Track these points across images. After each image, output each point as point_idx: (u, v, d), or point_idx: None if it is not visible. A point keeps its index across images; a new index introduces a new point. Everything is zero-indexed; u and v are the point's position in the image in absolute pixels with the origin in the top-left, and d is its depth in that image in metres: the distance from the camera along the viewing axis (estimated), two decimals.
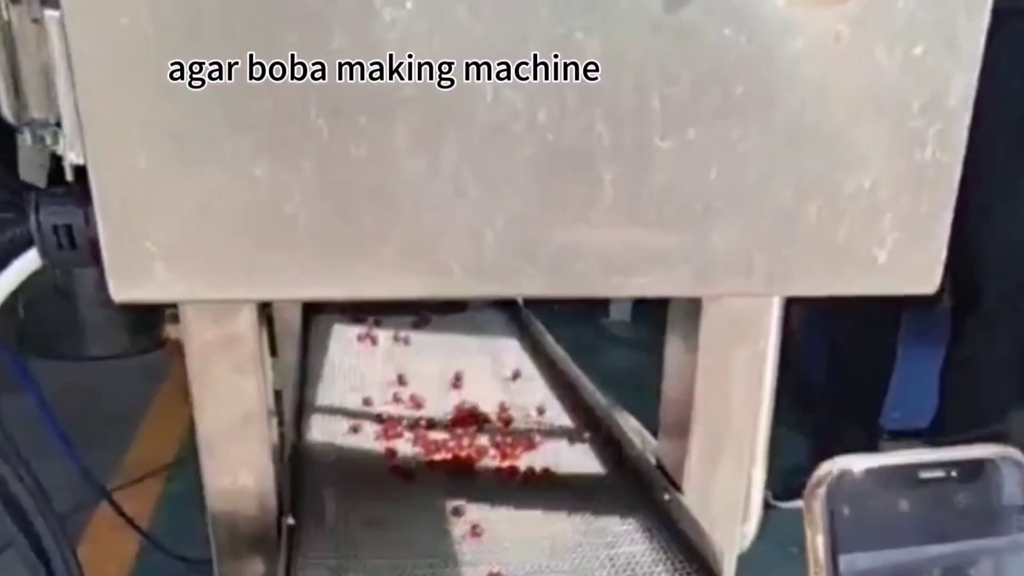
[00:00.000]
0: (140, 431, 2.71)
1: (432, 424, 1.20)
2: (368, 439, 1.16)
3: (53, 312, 3.22)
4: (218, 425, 0.82)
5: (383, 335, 1.59)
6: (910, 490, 0.50)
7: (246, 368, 0.80)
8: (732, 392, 0.88)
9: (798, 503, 1.82)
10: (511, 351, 1.52)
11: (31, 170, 0.72)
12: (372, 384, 1.35)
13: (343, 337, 1.58)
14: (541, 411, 1.25)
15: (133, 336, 3.32)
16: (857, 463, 0.50)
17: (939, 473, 0.50)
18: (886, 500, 0.50)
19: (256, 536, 0.86)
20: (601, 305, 3.88)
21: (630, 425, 1.12)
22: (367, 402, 1.28)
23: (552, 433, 1.18)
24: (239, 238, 0.57)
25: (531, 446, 1.13)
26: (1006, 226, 2.11)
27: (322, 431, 1.18)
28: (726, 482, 0.93)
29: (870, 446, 2.49)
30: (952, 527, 0.51)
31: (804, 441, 2.54)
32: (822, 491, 0.49)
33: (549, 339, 1.48)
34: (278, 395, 1.07)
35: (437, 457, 1.10)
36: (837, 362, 2.49)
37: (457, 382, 1.36)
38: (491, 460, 1.10)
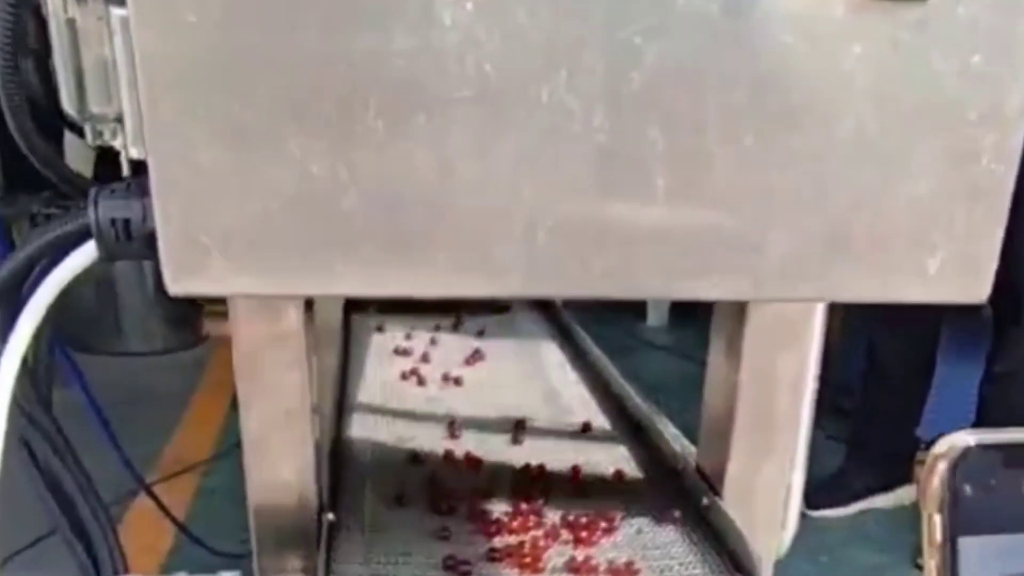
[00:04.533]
0: (178, 427, 2.73)
1: (491, 493, 1.02)
2: (418, 512, 0.99)
3: (93, 307, 3.25)
4: (264, 419, 0.82)
5: (431, 374, 1.42)
6: None
7: (293, 364, 0.80)
8: (775, 397, 0.88)
9: (829, 512, 1.83)
10: (571, 386, 1.39)
11: (78, 162, 0.73)
12: (420, 435, 1.18)
13: (386, 373, 1.43)
14: (621, 476, 1.08)
15: (173, 331, 3.35)
16: (982, 438, 0.46)
17: None
18: (1012, 480, 0.46)
19: (296, 529, 0.87)
20: (638, 310, 3.88)
21: (669, 432, 1.12)
22: (415, 459, 1.12)
23: (637, 505, 1.00)
24: (295, 233, 0.57)
25: (611, 528, 0.95)
26: None
27: (367, 501, 1.01)
28: (767, 488, 0.92)
29: (906, 457, 2.47)
30: None
31: (838, 450, 2.53)
32: (942, 467, 0.45)
33: (594, 349, 1.47)
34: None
35: (498, 542, 0.93)
36: (875, 370, 2.48)
37: (518, 435, 1.19)
38: (564, 546, 0.93)
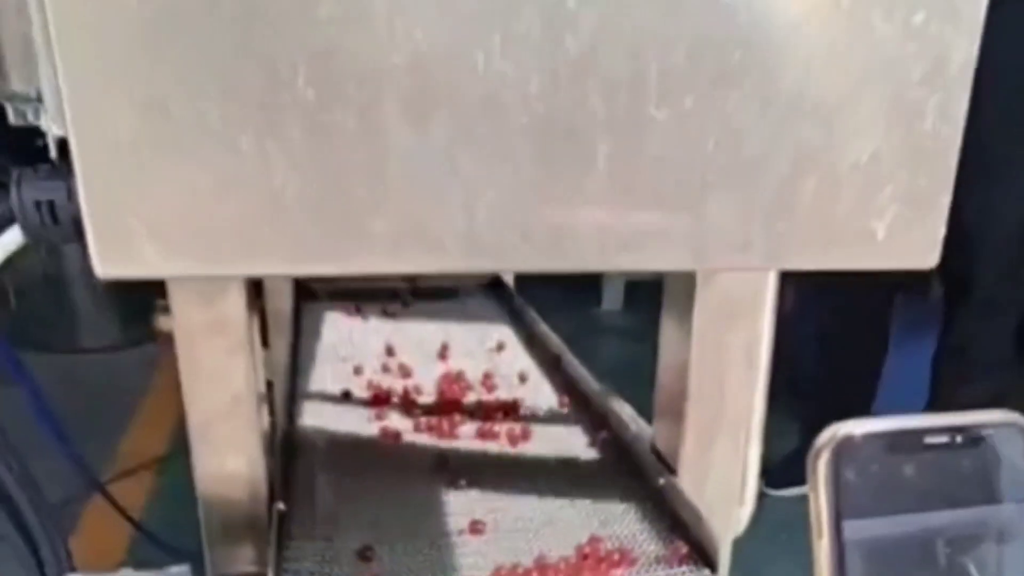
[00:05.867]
0: (132, 423, 2.70)
1: (419, 390, 1.25)
2: (357, 406, 1.20)
3: (45, 303, 3.21)
4: (208, 408, 0.80)
5: (373, 312, 1.64)
6: (915, 455, 0.49)
7: (236, 350, 0.78)
8: (727, 373, 0.87)
9: (790, 491, 1.83)
10: (498, 327, 1.56)
11: None
12: (362, 354, 1.40)
13: (333, 317, 1.62)
14: (523, 378, 1.30)
15: (126, 328, 3.31)
16: (862, 427, 0.49)
17: (944, 439, 0.49)
18: (891, 465, 0.49)
19: (247, 520, 0.85)
20: (593, 294, 3.87)
21: (626, 412, 1.11)
22: (357, 370, 1.32)
23: (534, 399, 1.23)
24: (226, 211, 0.55)
25: (513, 410, 1.18)
26: (998, 213, 2.10)
27: (313, 403, 1.21)
28: (722, 465, 0.92)
29: None
30: (957, 493, 0.50)
31: (797, 430, 2.53)
32: (826, 455, 0.48)
33: (536, 316, 1.51)
34: (269, 386, 1.06)
35: (423, 420, 1.14)
36: (829, 350, 2.49)
37: (444, 353, 1.41)
38: (475, 422, 1.14)
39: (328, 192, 0.55)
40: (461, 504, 0.93)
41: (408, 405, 1.19)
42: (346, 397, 1.23)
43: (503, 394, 1.24)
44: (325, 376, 1.31)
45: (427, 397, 1.23)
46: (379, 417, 1.16)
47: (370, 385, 1.26)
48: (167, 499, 2.25)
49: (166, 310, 0.77)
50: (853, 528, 0.48)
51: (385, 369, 1.33)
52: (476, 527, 0.89)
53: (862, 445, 0.48)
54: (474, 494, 0.96)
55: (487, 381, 1.28)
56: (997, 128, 1.86)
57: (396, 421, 1.15)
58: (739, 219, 0.59)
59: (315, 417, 1.16)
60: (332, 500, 0.95)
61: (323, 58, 0.52)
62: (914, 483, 0.49)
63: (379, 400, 1.21)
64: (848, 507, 0.48)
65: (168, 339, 0.79)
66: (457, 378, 1.29)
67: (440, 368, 1.34)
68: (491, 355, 1.41)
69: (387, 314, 1.63)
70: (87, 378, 2.95)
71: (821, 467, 0.48)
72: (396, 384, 1.27)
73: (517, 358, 1.40)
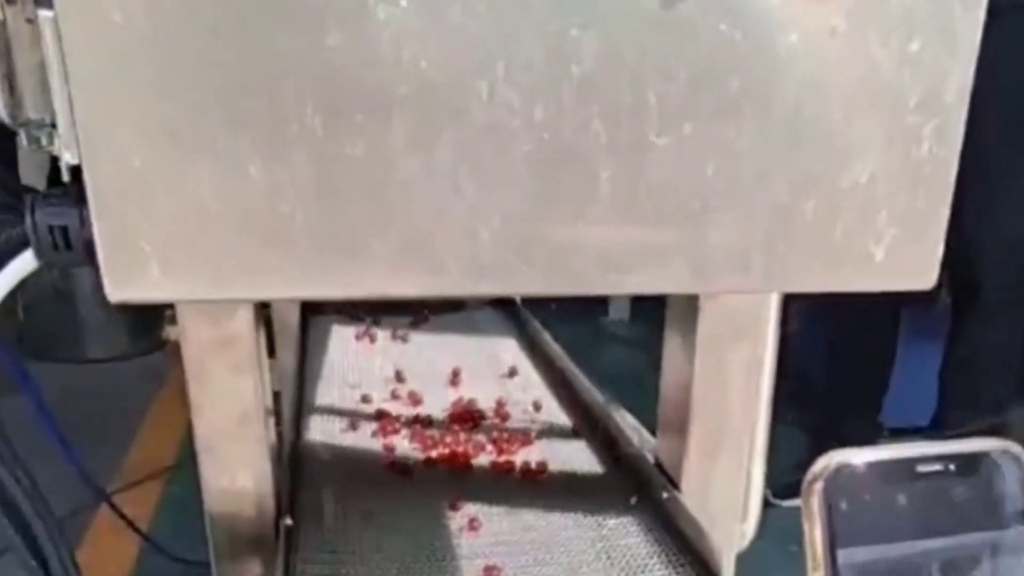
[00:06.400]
0: (140, 433, 2.71)
1: (430, 421, 1.20)
2: (366, 436, 1.16)
3: (53, 314, 3.21)
4: (216, 425, 0.81)
5: (381, 333, 1.59)
6: (908, 484, 0.50)
7: (243, 368, 0.79)
8: (730, 390, 0.88)
9: (798, 501, 1.80)
10: (508, 349, 1.52)
11: (32, 172, 0.72)
12: (370, 381, 1.36)
13: (342, 336, 1.58)
14: (537, 407, 1.26)
15: (133, 338, 3.32)
16: (855, 456, 0.50)
17: (937, 467, 0.50)
18: (884, 494, 0.50)
19: (254, 536, 0.86)
20: (600, 304, 3.87)
21: (628, 423, 1.11)
22: (365, 399, 1.28)
23: (548, 428, 1.19)
24: (234, 237, 0.56)
25: (527, 441, 1.14)
26: (1004, 222, 2.11)
27: (321, 430, 1.18)
28: (724, 480, 0.92)
29: (870, 444, 2.47)
30: (950, 521, 0.50)
31: (804, 439, 2.54)
32: (820, 485, 0.49)
33: (546, 337, 1.48)
34: (276, 396, 1.07)
35: (434, 453, 1.11)
36: (836, 360, 2.49)
37: (455, 379, 1.37)
38: (488, 455, 1.11)
39: (334, 217, 0.57)
40: (475, 547, 0.91)
41: (419, 436, 1.16)
42: (354, 427, 1.19)
43: (516, 423, 1.21)
44: (332, 403, 1.28)
45: (438, 426, 1.20)
46: (388, 449, 1.12)
47: (379, 414, 1.22)
48: (175, 509, 2.25)
49: (174, 319, 0.78)
50: (848, 556, 0.48)
51: (394, 396, 1.29)
52: (491, 574, 0.87)
53: (856, 474, 0.49)
54: (488, 535, 0.94)
55: (500, 409, 1.24)
56: (997, 136, 1.87)
57: (406, 452, 1.12)
58: (739, 242, 0.60)
59: (323, 441, 1.15)
60: (340, 518, 0.95)
61: (330, 87, 0.54)
62: (908, 511, 0.49)
63: (388, 430, 1.17)
64: (843, 536, 0.48)
65: (176, 348, 0.80)
66: (469, 406, 1.25)
67: (451, 395, 1.30)
68: (503, 381, 1.38)
69: (396, 337, 1.59)
70: (96, 388, 2.96)
71: (815, 497, 0.49)
72: (406, 412, 1.23)
73: (529, 383, 1.37)
